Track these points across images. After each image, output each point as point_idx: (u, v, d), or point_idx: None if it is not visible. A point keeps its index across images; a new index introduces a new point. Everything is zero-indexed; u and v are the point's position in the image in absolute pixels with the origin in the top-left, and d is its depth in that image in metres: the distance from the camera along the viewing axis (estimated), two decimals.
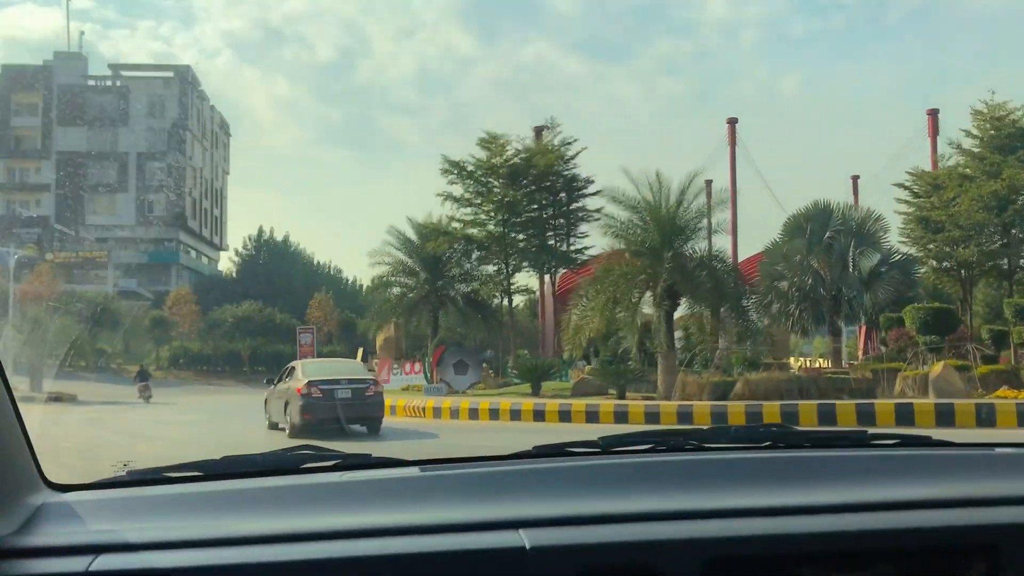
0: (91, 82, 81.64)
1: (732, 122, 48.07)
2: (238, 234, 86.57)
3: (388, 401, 21.49)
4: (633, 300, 23.60)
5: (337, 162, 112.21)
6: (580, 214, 35.54)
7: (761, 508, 1.83)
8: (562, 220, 35.57)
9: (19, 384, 40.15)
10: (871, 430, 2.43)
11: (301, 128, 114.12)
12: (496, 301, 37.85)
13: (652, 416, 19.60)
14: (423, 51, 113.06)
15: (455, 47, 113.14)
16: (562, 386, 28.56)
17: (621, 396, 23.95)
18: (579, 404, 21.85)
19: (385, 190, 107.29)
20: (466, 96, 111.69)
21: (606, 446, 2.20)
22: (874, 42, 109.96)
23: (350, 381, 18.48)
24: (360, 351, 60.94)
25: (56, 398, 39.36)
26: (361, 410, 18.18)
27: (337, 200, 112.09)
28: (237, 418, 26.66)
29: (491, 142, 34.06)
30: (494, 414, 22.61)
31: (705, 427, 2.87)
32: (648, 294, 23.99)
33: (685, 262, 23.54)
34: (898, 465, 2.11)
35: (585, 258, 35.45)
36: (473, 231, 35.17)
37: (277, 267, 78.64)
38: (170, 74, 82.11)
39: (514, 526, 1.72)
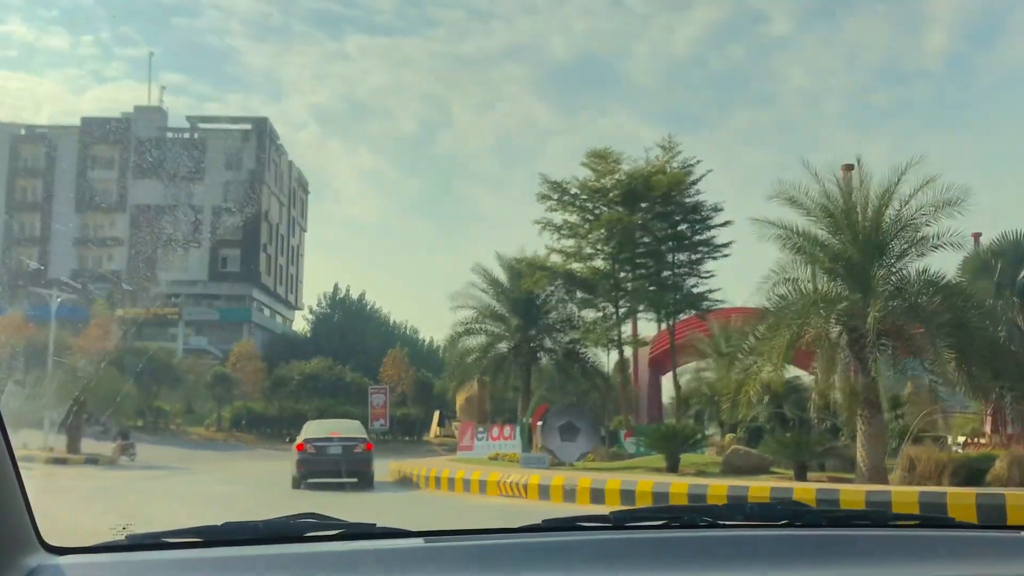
0: (169, 134, 77.35)
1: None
2: (314, 296, 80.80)
3: (476, 474, 19.92)
4: (832, 338, 16.08)
5: (415, 231, 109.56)
6: (705, 249, 28.22)
7: None
8: (685, 255, 28.18)
9: (56, 444, 34.16)
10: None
11: (381, 198, 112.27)
12: (598, 353, 30.55)
13: None
14: (503, 123, 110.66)
15: (534, 118, 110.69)
16: (701, 460, 21.22)
17: (801, 476, 16.55)
18: (760, 488, 14.43)
19: (463, 259, 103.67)
20: (544, 166, 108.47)
21: (617, 520, 2.09)
22: (962, 111, 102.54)
23: (341, 439, 20.66)
24: (436, 414, 53.96)
25: (93, 460, 32.71)
26: (350, 465, 19.69)
27: (415, 268, 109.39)
28: (279, 486, 20.54)
29: (601, 158, 27.09)
30: (627, 497, 15.34)
31: (719, 504, 2.51)
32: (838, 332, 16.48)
33: (904, 285, 16.07)
34: (918, 546, 2.02)
35: (713, 302, 28.10)
36: (576, 266, 27.98)
37: (351, 326, 72.71)
38: (248, 127, 77.57)
39: None
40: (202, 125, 78.00)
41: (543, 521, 2.11)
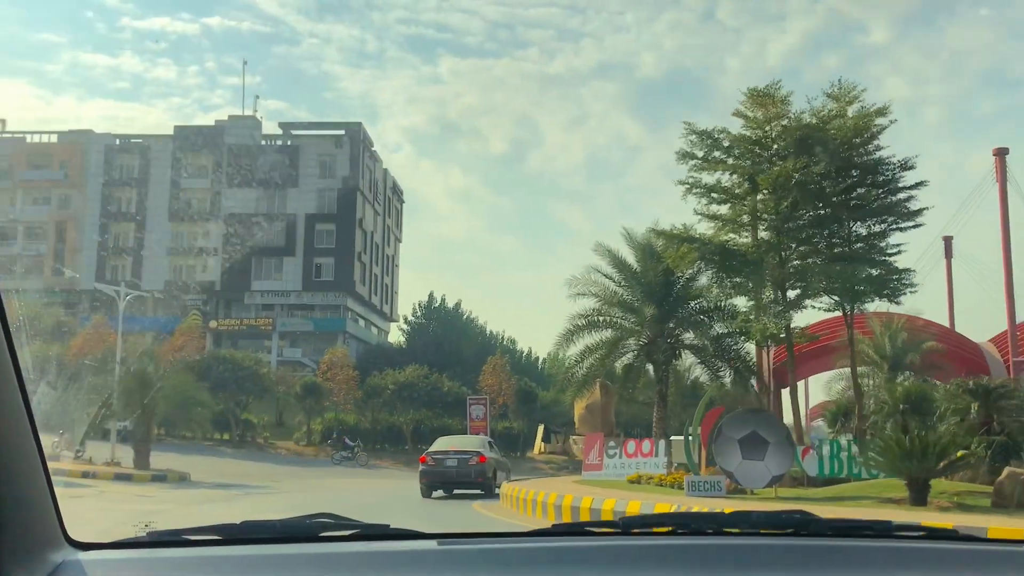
0: (262, 142, 73.46)
1: (1000, 153, 40.53)
2: (408, 306, 75.86)
3: (634, 506, 14.94)
4: None
5: (507, 248, 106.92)
6: (892, 217, 21.32)
7: None
8: (868, 224, 21.26)
9: (123, 458, 29.27)
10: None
11: (473, 216, 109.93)
12: (750, 350, 24.01)
13: None
14: (593, 140, 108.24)
15: (624, 135, 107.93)
16: (956, 487, 14.81)
17: None
18: None
19: (553, 275, 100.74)
20: (634, 182, 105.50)
21: (625, 526, 2.06)
22: None
23: (457, 452, 22.20)
24: (541, 428, 47.96)
25: (161, 476, 28.35)
26: (464, 477, 21.50)
27: (506, 283, 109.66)
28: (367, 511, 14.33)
29: (764, 100, 20.57)
30: None
31: (725, 512, 2.19)
32: None
33: None
34: (921, 558, 1.96)
35: (902, 287, 21.28)
36: (730, 237, 21.41)
37: (447, 336, 67.48)
38: (341, 132, 73.25)
39: None
40: (295, 132, 73.98)
41: (553, 526, 2.11)
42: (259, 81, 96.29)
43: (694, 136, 21.28)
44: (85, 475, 25.73)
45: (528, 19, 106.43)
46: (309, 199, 72.42)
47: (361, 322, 75.83)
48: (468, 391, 47.02)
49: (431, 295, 73.69)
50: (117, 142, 73.57)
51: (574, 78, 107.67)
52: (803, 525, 2.07)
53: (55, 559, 1.67)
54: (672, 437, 22.07)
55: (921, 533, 2.13)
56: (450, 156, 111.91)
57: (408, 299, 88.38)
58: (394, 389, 45.57)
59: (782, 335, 20.78)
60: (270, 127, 75.53)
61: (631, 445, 21.63)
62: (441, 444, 23.49)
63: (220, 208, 72.40)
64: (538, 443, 47.79)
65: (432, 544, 1.88)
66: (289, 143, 73.72)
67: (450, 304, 73.15)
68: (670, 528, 2.07)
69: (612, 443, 22.88)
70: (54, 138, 73.90)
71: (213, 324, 69.39)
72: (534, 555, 1.86)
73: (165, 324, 55.79)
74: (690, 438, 18.02)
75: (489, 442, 25.83)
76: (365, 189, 74.71)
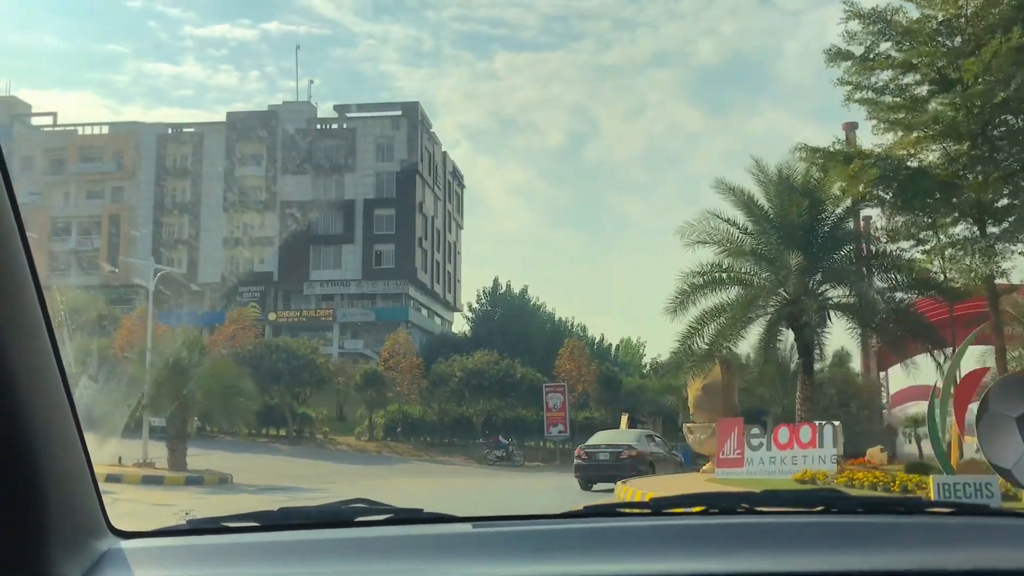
0: (316, 126, 69.01)
1: None
2: (472, 293, 70.98)
3: None
4: None
5: (567, 241, 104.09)
6: None
7: (815, 573, 1.68)
8: None
9: (158, 458, 24.71)
10: None
11: (532, 210, 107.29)
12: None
13: None
14: (651, 129, 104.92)
15: (682, 123, 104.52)
16: None
17: None
18: None
19: (614, 268, 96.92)
20: (694, 171, 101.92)
21: (656, 507, 2.04)
22: None
23: (608, 446, 22.62)
24: (625, 417, 42.47)
25: (196, 479, 24.21)
26: (613, 470, 20.88)
27: (569, 277, 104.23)
28: None
29: None
30: None
31: (756, 491, 2.18)
32: None
33: None
34: (955, 534, 1.91)
35: None
36: (911, 153, 15.49)
37: (514, 323, 62.24)
38: (398, 112, 68.52)
39: None
40: (350, 115, 69.32)
41: (584, 507, 2.13)
42: (318, 84, 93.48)
43: (856, 21, 15.61)
44: (110, 478, 21.22)
45: (582, 10, 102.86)
46: (367, 183, 67.91)
47: (424, 311, 71.09)
48: (544, 378, 41.73)
49: (495, 281, 68.52)
50: (169, 131, 69.86)
51: (630, 68, 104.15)
52: (833, 502, 2.02)
53: (100, 547, 1.66)
54: (833, 422, 16.39)
55: (952, 509, 2.07)
56: (507, 151, 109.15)
57: (471, 290, 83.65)
58: (462, 377, 40.44)
59: (993, 278, 14.94)
60: (325, 111, 71.02)
61: (783, 432, 16.06)
62: (596, 439, 23.81)
63: (275, 196, 68.21)
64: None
65: (466, 527, 1.87)
66: (345, 126, 69.20)
67: (516, 290, 67.91)
68: (702, 508, 2.02)
69: (755, 430, 17.31)
70: (105, 130, 70.47)
71: (272, 316, 65.28)
72: (567, 536, 1.85)
73: (220, 318, 51.67)
74: (936, 417, 12.18)
75: (649, 435, 26.18)
76: (424, 172, 69.91)
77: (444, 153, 76.81)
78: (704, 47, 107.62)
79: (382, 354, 43.99)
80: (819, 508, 2.01)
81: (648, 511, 2.04)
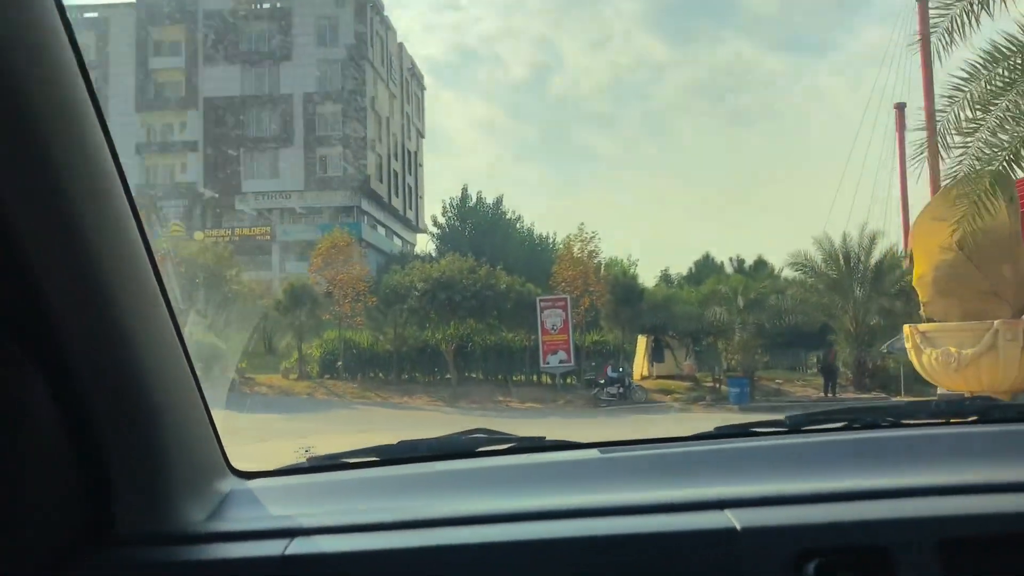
0: (245, 5, 55.09)
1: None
2: (438, 206, 58.25)
3: None
4: None
5: (534, 176, 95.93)
6: None
7: (969, 486, 1.56)
8: None
9: None
10: None
11: (497, 146, 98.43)
12: None
13: None
14: (616, 60, 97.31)
15: (648, 54, 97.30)
16: None
17: None
18: None
19: (578, 201, 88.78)
20: (660, 102, 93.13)
21: (793, 425, 1.89)
22: None
23: None
24: (644, 341, 30.56)
25: None
26: None
27: (538, 213, 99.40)
28: None
29: None
30: None
31: (903, 403, 2.20)
32: None
33: None
34: None
35: None
36: None
37: (489, 238, 49.96)
38: None
39: (718, 506, 1.51)
40: None
41: (715, 428, 1.94)
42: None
43: None
44: None
45: None
46: (307, 75, 54.56)
47: (380, 229, 58.39)
48: (538, 290, 29.42)
49: (464, 191, 55.97)
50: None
51: None
52: (987, 412, 1.90)
53: (223, 488, 1.65)
54: None
55: None
56: (470, 85, 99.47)
57: (436, 210, 71.20)
58: (425, 290, 27.88)
59: None
60: None
61: None
62: None
63: (197, 91, 54.67)
64: (640, 362, 30.27)
65: (593, 453, 1.78)
66: (279, 5, 55.43)
67: (489, 200, 55.42)
68: (843, 424, 1.90)
69: None
70: None
71: (199, 236, 52.16)
72: (699, 459, 1.75)
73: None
74: None
75: None
76: (376, 62, 56.57)
77: (401, 44, 63.37)
78: None
79: (312, 260, 31.24)
80: (972, 418, 1.89)
81: (785, 429, 1.89)
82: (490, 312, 29.00)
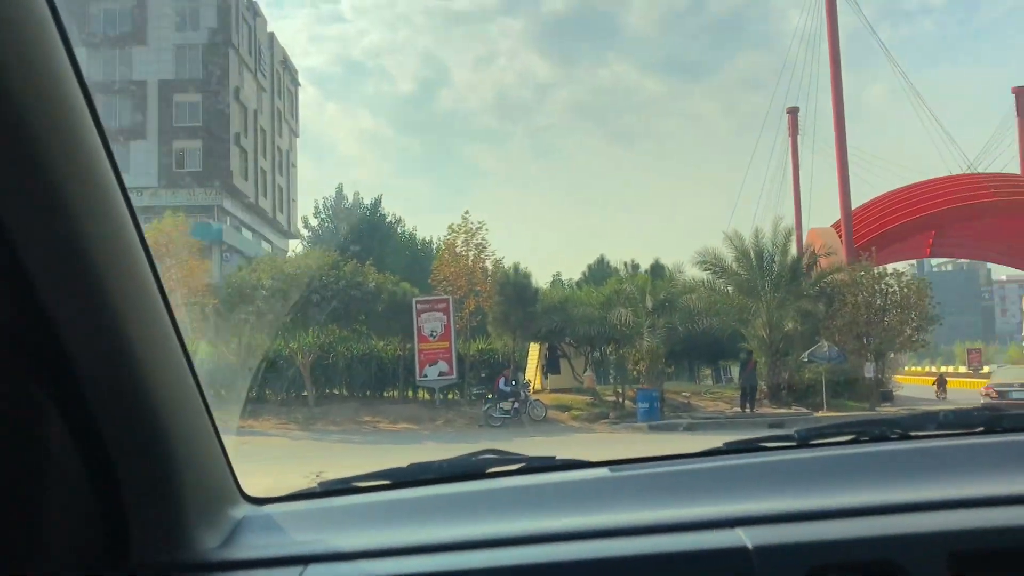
0: None
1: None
2: (310, 205, 52.81)
3: None
4: None
5: (420, 191, 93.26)
6: None
7: (979, 499, 1.54)
8: None
9: None
10: None
11: (383, 160, 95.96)
12: None
13: None
14: (501, 78, 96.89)
15: (533, 72, 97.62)
16: None
17: None
18: None
19: (474, 217, 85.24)
20: (545, 121, 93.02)
21: (802, 439, 1.85)
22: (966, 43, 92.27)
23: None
24: (537, 349, 26.44)
25: None
26: None
27: (423, 229, 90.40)
28: None
29: None
30: None
31: (911, 415, 2.02)
32: None
33: None
34: None
35: None
36: None
37: (366, 243, 44.88)
38: None
39: (729, 525, 1.49)
40: None
41: (724, 444, 1.91)
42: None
43: None
44: None
45: None
46: (163, 60, 48.37)
47: (247, 233, 52.46)
48: (416, 291, 24.74)
49: (339, 190, 50.78)
50: None
51: (480, 15, 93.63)
52: (994, 422, 1.87)
53: (235, 515, 1.64)
54: None
55: None
56: (356, 97, 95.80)
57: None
58: (275, 290, 22.70)
59: None
60: None
61: None
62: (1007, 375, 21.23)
63: None
64: (533, 373, 25.97)
65: (603, 472, 1.76)
66: None
67: (367, 201, 50.35)
68: (851, 437, 1.86)
69: None
70: None
71: None
72: (708, 475, 1.72)
73: None
74: None
75: None
76: (242, 50, 50.86)
77: (271, 34, 57.72)
78: None
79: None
80: (979, 429, 1.86)
81: (794, 444, 1.86)
82: (357, 316, 24.09)
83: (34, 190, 1.04)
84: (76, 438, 1.25)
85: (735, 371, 34.01)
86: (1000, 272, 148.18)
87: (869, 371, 25.51)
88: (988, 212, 37.38)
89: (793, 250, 27.93)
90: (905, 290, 25.73)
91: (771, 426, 24.65)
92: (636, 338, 22.64)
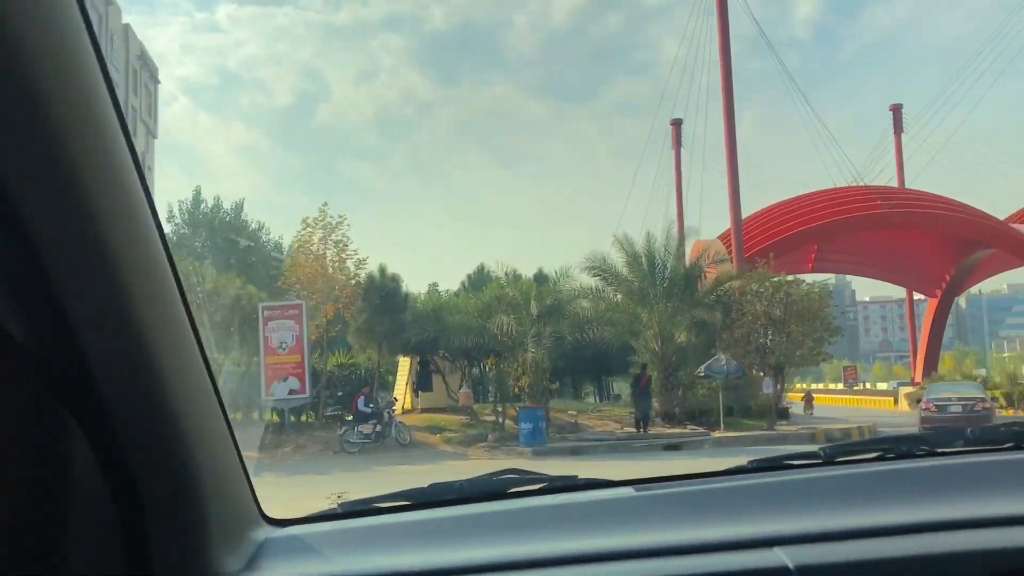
0: None
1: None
2: (163, 208, 47.89)
3: None
4: None
5: (295, 206, 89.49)
6: None
7: (1009, 517, 1.51)
8: None
9: None
10: None
11: (259, 173, 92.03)
12: None
13: None
14: (383, 95, 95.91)
15: (414, 90, 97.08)
16: None
17: None
18: None
19: (352, 234, 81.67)
20: (427, 139, 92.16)
21: (828, 456, 1.84)
22: (828, 78, 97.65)
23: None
24: (407, 364, 23.35)
25: None
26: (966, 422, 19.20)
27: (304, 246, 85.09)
28: None
29: None
30: None
31: (936, 431, 2.15)
32: None
33: None
34: None
35: None
36: None
37: (226, 251, 40.77)
38: None
39: (767, 544, 1.45)
40: None
41: (749, 463, 1.86)
42: None
43: None
44: None
45: None
46: None
47: None
48: (263, 295, 21.16)
49: (197, 193, 46.30)
50: None
51: (362, 30, 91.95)
52: (1022, 438, 1.83)
53: (257, 537, 1.60)
54: None
55: None
56: (232, 109, 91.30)
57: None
58: None
59: None
60: None
61: None
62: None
63: None
64: (403, 390, 22.76)
65: (627, 491, 1.73)
66: None
67: (228, 205, 46.05)
68: (877, 454, 1.84)
69: None
70: None
71: None
72: (734, 494, 1.69)
73: None
74: None
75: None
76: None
77: (127, 26, 52.65)
78: (436, 13, 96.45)
79: None
80: (1008, 444, 1.84)
81: (819, 461, 1.85)
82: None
83: (64, 199, 1.00)
84: (98, 456, 1.23)
85: (622, 388, 31.51)
86: (863, 293, 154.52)
87: (768, 387, 23.45)
88: (875, 224, 36.54)
89: (687, 256, 25.78)
90: (806, 299, 23.83)
91: (667, 448, 22.33)
92: (519, 349, 19.72)
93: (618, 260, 24.74)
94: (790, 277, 26.06)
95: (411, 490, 1.84)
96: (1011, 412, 36.79)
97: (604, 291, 24.86)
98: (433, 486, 1.86)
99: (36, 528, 1.19)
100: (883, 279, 48.97)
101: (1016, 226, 37.50)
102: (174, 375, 1.24)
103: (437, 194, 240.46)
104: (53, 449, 1.18)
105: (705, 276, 25.77)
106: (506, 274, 24.59)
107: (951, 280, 44.20)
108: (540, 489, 1.81)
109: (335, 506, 1.86)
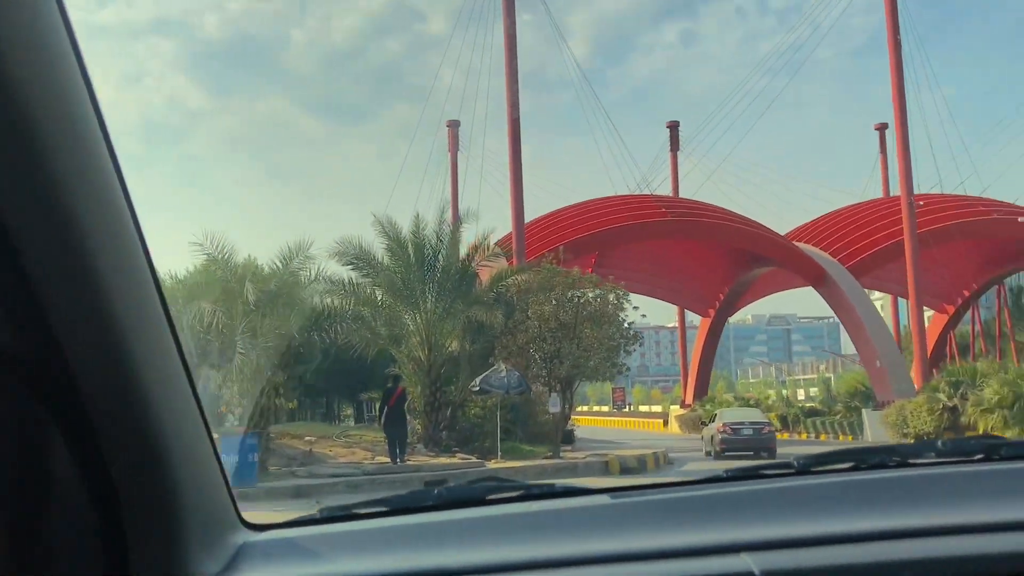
0: None
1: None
2: None
3: None
4: None
5: None
6: None
7: (978, 526, 1.52)
8: None
9: None
10: None
11: None
12: None
13: None
14: (148, 100, 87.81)
15: (183, 98, 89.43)
16: None
17: None
18: None
19: None
20: (197, 150, 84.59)
21: (802, 467, 1.84)
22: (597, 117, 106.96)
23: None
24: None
25: None
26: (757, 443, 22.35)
27: None
28: None
29: None
30: None
31: (909, 443, 2.16)
32: None
33: None
34: None
35: None
36: None
37: None
38: None
39: (734, 550, 1.46)
40: None
41: (725, 472, 1.89)
42: None
43: None
44: None
45: None
46: None
47: None
48: None
49: None
50: None
51: (127, 31, 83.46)
52: (993, 450, 1.85)
53: (236, 541, 1.59)
54: None
55: None
56: None
57: None
58: None
59: None
60: None
61: None
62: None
63: None
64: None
65: (604, 499, 1.74)
66: None
67: None
68: (850, 465, 1.85)
69: None
70: None
71: None
72: (708, 502, 1.70)
73: None
74: None
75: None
76: None
77: None
78: (209, 21, 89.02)
79: None
80: (978, 456, 1.84)
81: (793, 471, 1.85)
82: None
83: (44, 204, 1.00)
84: (78, 458, 1.22)
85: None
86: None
87: (555, 404, 19.08)
88: (660, 232, 33.93)
89: (463, 248, 21.04)
90: (600, 300, 19.76)
91: (427, 484, 17.41)
92: (230, 350, 13.91)
93: (378, 247, 19.59)
94: (583, 275, 22.04)
95: (390, 497, 1.83)
96: (787, 435, 35.60)
97: (361, 285, 19.60)
98: (412, 492, 1.85)
99: (16, 531, 1.17)
100: (655, 296, 47.16)
101: (798, 244, 36.37)
102: (154, 380, 1.22)
103: (206, 208, 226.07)
104: (33, 453, 1.17)
105: (479, 277, 21.26)
106: (216, 248, 18.03)
107: (725, 299, 42.92)
108: (518, 496, 1.80)
109: (314, 512, 1.83)
